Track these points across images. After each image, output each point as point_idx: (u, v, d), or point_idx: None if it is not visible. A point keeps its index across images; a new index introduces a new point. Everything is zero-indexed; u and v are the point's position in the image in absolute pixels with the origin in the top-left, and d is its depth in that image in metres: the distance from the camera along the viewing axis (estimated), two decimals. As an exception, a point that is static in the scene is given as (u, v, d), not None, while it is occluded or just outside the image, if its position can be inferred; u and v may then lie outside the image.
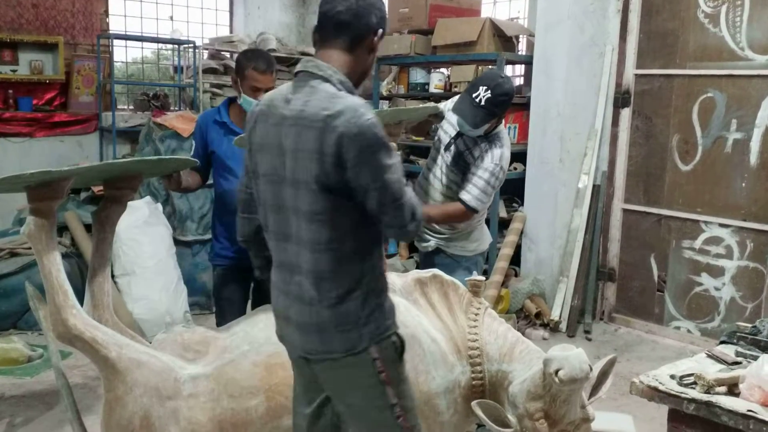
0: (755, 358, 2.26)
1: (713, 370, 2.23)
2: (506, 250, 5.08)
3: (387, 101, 6.59)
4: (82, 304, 2.21)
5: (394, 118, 3.06)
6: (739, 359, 2.34)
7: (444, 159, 3.23)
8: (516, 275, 5.36)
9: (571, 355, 2.05)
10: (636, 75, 5.04)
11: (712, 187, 4.69)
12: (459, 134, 3.16)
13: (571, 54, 5.01)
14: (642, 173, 5.06)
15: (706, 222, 4.73)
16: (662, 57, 4.89)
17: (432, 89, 6.16)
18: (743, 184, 4.54)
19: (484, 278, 2.65)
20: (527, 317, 5.04)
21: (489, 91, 2.93)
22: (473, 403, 2.24)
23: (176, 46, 7.07)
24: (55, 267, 2.12)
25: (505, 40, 5.38)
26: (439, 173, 3.25)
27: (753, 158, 4.49)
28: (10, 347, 4.09)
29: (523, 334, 3.38)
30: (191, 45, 6.85)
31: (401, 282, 2.52)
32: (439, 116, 3.34)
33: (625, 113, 5.12)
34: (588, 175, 5.14)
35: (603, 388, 2.37)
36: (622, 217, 5.20)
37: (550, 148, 5.12)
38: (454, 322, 2.50)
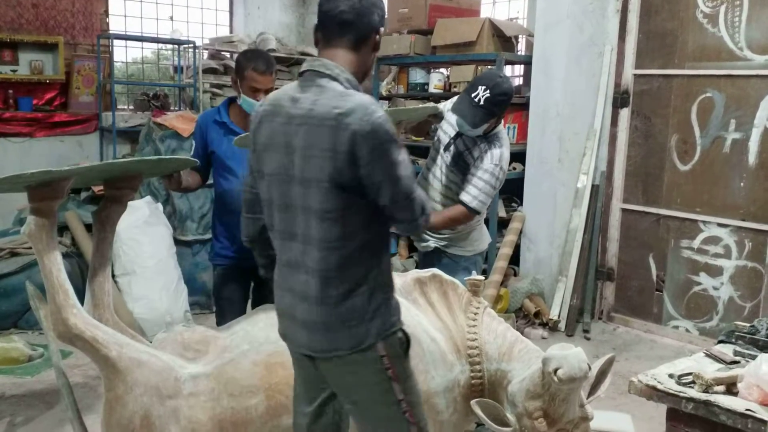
0: (753, 357, 2.27)
1: (711, 370, 2.24)
2: (505, 250, 5.09)
3: (386, 101, 6.59)
4: (82, 303, 2.21)
5: (394, 118, 3.06)
6: (738, 358, 2.35)
7: (444, 159, 3.24)
8: (515, 275, 5.37)
9: (570, 354, 2.05)
10: (635, 75, 5.05)
11: (711, 187, 4.70)
12: (458, 134, 3.16)
13: (570, 54, 5.01)
14: (641, 173, 5.07)
15: (704, 222, 4.74)
16: (661, 57, 4.89)
17: (431, 89, 6.16)
18: (742, 184, 4.55)
19: (483, 278, 2.66)
20: (526, 316, 5.05)
21: (488, 91, 2.93)
22: (472, 402, 2.25)
23: (176, 46, 7.07)
24: (56, 266, 2.12)
25: (504, 40, 5.38)
26: (438, 173, 3.26)
27: (751, 158, 4.50)
28: (11, 346, 4.09)
29: (522, 333, 3.39)
30: (191, 45, 6.86)
31: (401, 281, 2.52)
32: (439, 116, 3.34)
33: (624, 113, 5.12)
34: (587, 174, 5.15)
35: (602, 387, 2.37)
36: (620, 216, 5.21)
37: (549, 148, 5.13)
38: (454, 321, 2.51)
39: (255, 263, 2.29)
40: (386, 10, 2.03)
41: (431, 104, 3.62)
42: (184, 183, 2.87)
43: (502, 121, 3.22)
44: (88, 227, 4.59)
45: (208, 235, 4.54)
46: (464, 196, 3.07)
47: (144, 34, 7.22)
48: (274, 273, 1.99)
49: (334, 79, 1.81)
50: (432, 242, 3.32)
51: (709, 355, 2.39)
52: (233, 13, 7.99)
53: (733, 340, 2.50)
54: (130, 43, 7.21)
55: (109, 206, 2.44)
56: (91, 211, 2.52)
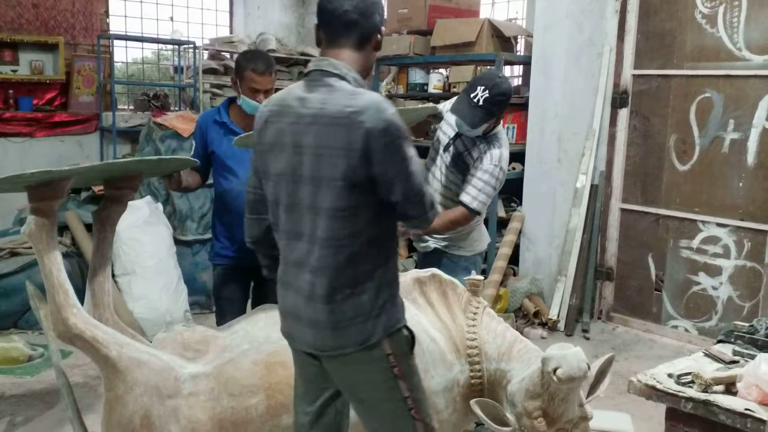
0: (752, 357, 2.27)
1: (711, 369, 2.25)
2: (505, 250, 5.09)
3: (386, 101, 6.58)
4: (82, 303, 2.21)
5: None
6: (737, 358, 2.35)
7: (443, 159, 3.24)
8: (514, 274, 5.37)
9: (569, 354, 2.06)
10: (634, 75, 5.05)
11: (710, 187, 4.70)
12: (458, 135, 3.17)
13: (569, 54, 5.02)
14: (640, 173, 5.08)
15: (703, 221, 4.74)
16: (660, 57, 4.90)
17: (431, 89, 6.17)
18: (740, 184, 4.56)
19: (482, 277, 2.66)
20: (525, 316, 5.06)
21: (487, 91, 2.94)
22: (472, 402, 2.25)
23: (176, 46, 7.07)
24: (56, 266, 2.12)
25: (503, 40, 5.39)
26: (438, 174, 3.26)
27: (750, 158, 4.51)
28: (11, 346, 4.09)
29: (521, 333, 3.38)
30: (191, 45, 6.86)
31: (400, 281, 2.52)
32: (438, 117, 3.33)
33: (623, 113, 5.13)
34: (586, 174, 5.16)
35: (601, 387, 2.38)
36: (619, 216, 5.22)
37: (549, 148, 5.14)
38: (453, 321, 2.51)
39: (255, 263, 2.28)
40: (386, 10, 2.04)
41: (431, 104, 3.62)
42: (184, 183, 2.88)
43: (502, 121, 3.22)
44: (88, 227, 4.59)
45: (208, 235, 4.55)
46: (464, 197, 3.08)
47: (144, 35, 7.23)
48: (277, 273, 1.99)
49: (343, 78, 1.82)
50: (431, 242, 3.32)
51: (708, 355, 2.40)
52: (233, 13, 7.99)
53: (732, 339, 2.51)
54: (130, 43, 7.22)
55: (109, 206, 2.45)
56: (91, 211, 2.52)
